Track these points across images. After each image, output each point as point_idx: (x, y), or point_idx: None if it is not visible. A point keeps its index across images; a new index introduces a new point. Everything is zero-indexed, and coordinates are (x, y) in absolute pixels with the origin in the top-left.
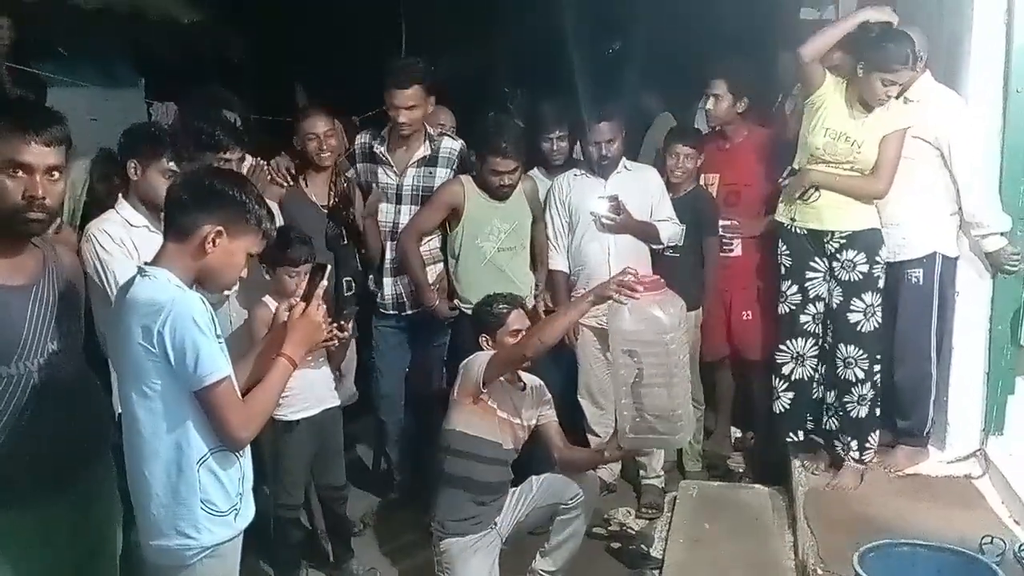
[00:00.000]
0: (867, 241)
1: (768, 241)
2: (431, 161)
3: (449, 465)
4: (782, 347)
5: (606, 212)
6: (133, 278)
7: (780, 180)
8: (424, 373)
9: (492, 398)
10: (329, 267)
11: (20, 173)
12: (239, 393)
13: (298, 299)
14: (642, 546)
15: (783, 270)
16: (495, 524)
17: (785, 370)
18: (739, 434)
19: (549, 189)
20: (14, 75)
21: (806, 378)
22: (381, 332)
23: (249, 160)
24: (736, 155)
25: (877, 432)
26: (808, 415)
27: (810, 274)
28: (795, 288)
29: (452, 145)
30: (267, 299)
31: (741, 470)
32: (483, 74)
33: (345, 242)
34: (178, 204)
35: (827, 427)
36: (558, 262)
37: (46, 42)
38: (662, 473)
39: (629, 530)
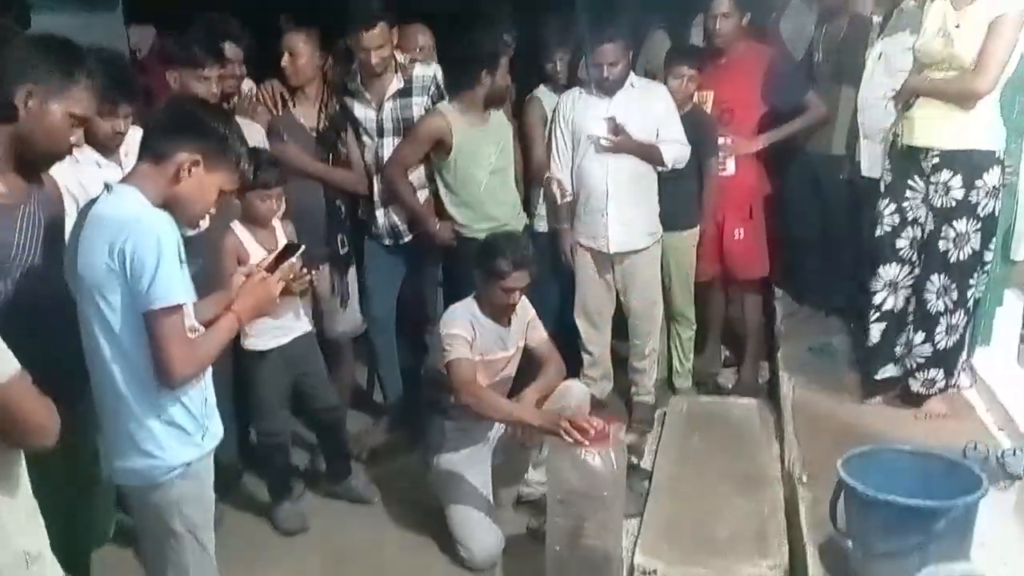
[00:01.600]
0: (964, 163)
1: (762, 159)
2: (406, 92)
3: (436, 395)
4: (876, 273)
5: (604, 133)
6: (99, 195)
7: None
8: (418, 297)
9: (475, 350)
10: (303, 247)
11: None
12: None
13: (260, 266)
14: (632, 458)
15: (883, 187)
16: (487, 439)
17: (877, 299)
18: (725, 352)
19: (555, 107)
20: None
21: (898, 309)
22: (373, 254)
23: (248, 90)
24: (731, 72)
25: (963, 358)
26: (896, 350)
27: (908, 193)
28: (893, 207)
29: (425, 72)
30: (235, 225)
31: (731, 386)
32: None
33: (333, 165)
34: (159, 127)
35: (908, 364)
36: (560, 177)
37: None
38: (653, 390)
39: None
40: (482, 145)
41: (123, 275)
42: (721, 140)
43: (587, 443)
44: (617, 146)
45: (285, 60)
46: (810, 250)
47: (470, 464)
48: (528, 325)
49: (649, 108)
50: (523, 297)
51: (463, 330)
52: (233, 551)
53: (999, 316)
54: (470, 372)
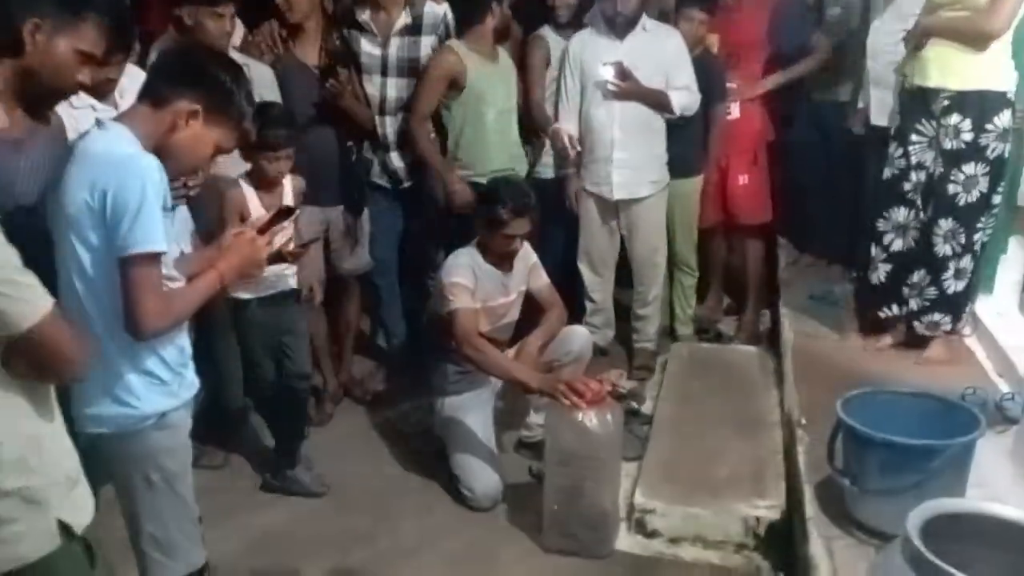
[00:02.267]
0: (975, 104)
1: (767, 103)
2: (414, 29)
3: (438, 340)
4: (883, 215)
5: (610, 78)
6: (89, 130)
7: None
8: (419, 241)
9: (477, 297)
10: (298, 211)
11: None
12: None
13: (253, 226)
14: (633, 404)
15: (892, 131)
16: (489, 381)
17: (885, 240)
18: (726, 300)
19: (565, 47)
20: None
21: (906, 249)
22: (374, 197)
23: (240, 31)
24: (738, 14)
25: (970, 303)
26: (904, 288)
27: (915, 137)
28: (900, 151)
29: (435, 10)
30: (242, 182)
31: (732, 333)
32: None
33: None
34: (164, 70)
35: (912, 307)
36: (568, 125)
37: None
38: (654, 337)
39: (620, 389)
40: (493, 83)
41: (102, 216)
42: (727, 85)
43: (583, 406)
44: (624, 92)
45: None
46: (813, 198)
47: (472, 407)
48: (530, 270)
49: (661, 53)
50: (525, 243)
51: (464, 278)
52: (238, 494)
53: (1002, 263)
54: (472, 323)
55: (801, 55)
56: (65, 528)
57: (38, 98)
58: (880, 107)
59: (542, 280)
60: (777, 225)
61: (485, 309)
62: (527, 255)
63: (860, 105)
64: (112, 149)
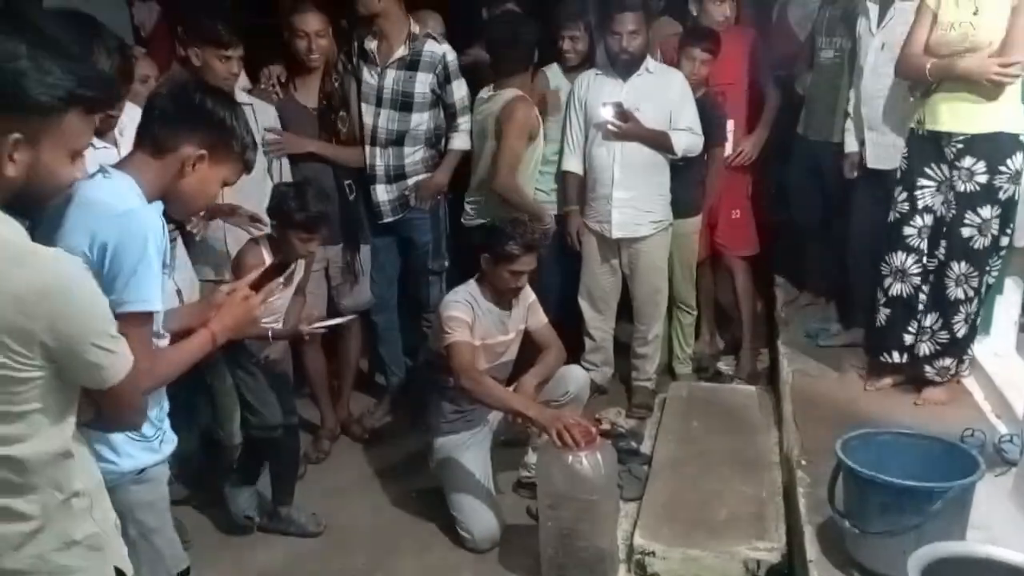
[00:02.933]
0: (990, 147)
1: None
2: (412, 65)
3: (436, 378)
4: (885, 259)
5: (610, 118)
6: (94, 175)
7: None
8: (411, 279)
9: (475, 334)
10: (293, 267)
11: None
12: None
13: (246, 285)
14: (632, 443)
15: (898, 175)
16: (487, 421)
17: (885, 284)
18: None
19: (572, 86)
20: None
21: (905, 295)
22: (371, 232)
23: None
24: (723, 54)
25: (973, 347)
26: (905, 335)
27: (923, 181)
28: (904, 195)
29: (435, 49)
30: (262, 246)
31: (731, 372)
32: None
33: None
34: (161, 115)
35: (921, 352)
36: (572, 163)
37: None
38: (654, 376)
39: (619, 428)
40: (541, 124)
41: (99, 269)
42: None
43: (578, 448)
44: (624, 132)
45: (303, 42)
46: (810, 237)
47: (469, 447)
48: (528, 309)
49: (664, 94)
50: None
51: (463, 313)
52: (235, 531)
53: (998, 303)
54: (470, 356)
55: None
56: (120, 574)
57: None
58: (877, 150)
59: (540, 319)
60: (775, 263)
61: (483, 347)
62: (526, 294)
63: (849, 150)
64: (116, 201)
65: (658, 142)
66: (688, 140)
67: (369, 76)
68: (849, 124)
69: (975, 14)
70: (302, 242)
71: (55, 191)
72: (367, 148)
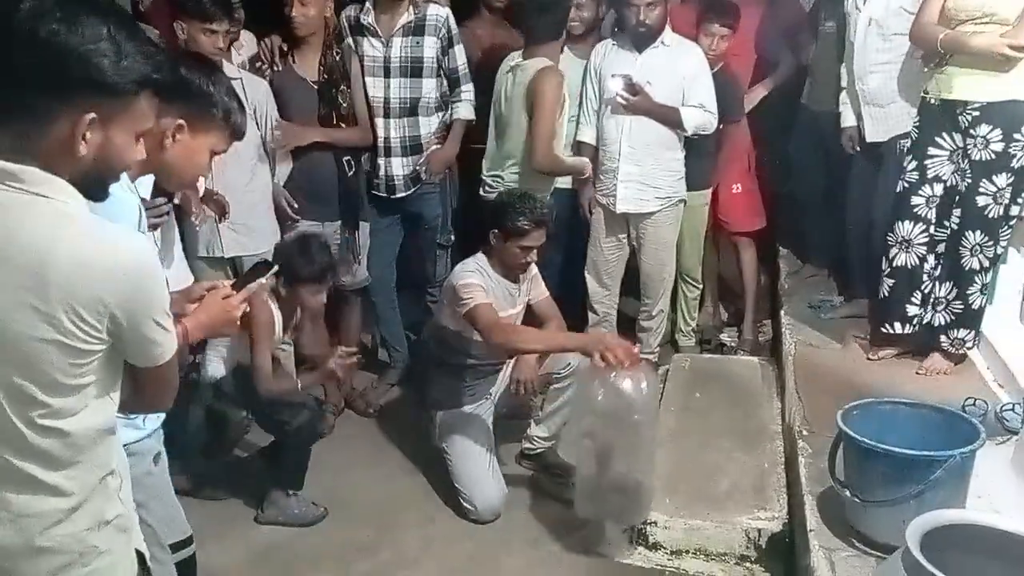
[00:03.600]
0: (1005, 114)
1: (756, 112)
2: (417, 30)
3: (440, 353)
4: (891, 229)
5: (619, 91)
6: None
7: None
8: (418, 254)
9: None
10: (275, 267)
11: None
12: None
13: (227, 284)
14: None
15: (908, 144)
16: (490, 395)
17: (890, 254)
18: (725, 312)
19: (590, 56)
20: None
21: (910, 266)
22: (373, 211)
23: (248, 39)
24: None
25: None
26: (908, 309)
27: (933, 151)
28: (913, 164)
29: (439, 12)
30: (272, 303)
31: (734, 344)
32: None
33: (335, 121)
34: None
35: (936, 322)
36: (586, 134)
37: None
38: (657, 349)
39: None
40: (566, 94)
41: None
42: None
43: (623, 365)
44: (633, 106)
45: (295, 10)
46: (814, 209)
47: (472, 420)
48: (531, 281)
49: (678, 69)
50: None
51: (478, 279)
52: (239, 506)
53: (1002, 273)
54: (493, 314)
55: (787, 65)
56: (140, 557)
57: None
58: (875, 124)
59: (542, 291)
60: (778, 234)
61: None
62: (530, 266)
63: (846, 124)
64: None
65: (668, 118)
66: (700, 117)
67: (372, 48)
68: (845, 98)
69: None
70: (312, 295)
71: (120, 171)
72: (379, 121)
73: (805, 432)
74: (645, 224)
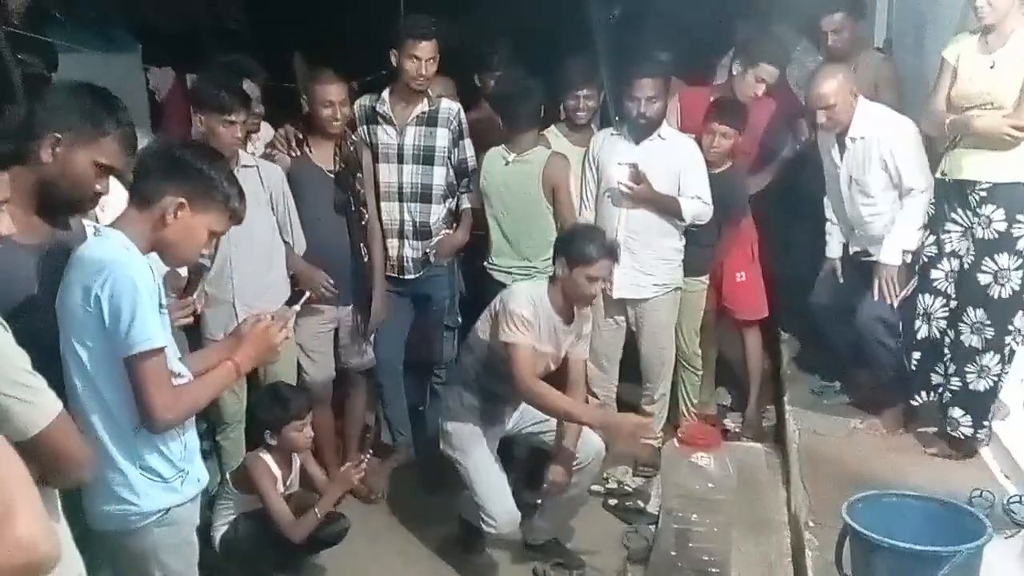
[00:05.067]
0: (1010, 196)
1: (761, 202)
2: (431, 120)
3: (467, 363)
4: (915, 302)
5: (624, 180)
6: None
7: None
8: (425, 335)
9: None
10: (308, 293)
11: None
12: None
13: (265, 317)
14: (638, 502)
15: (926, 219)
16: (503, 422)
17: (914, 326)
18: (728, 396)
19: (589, 144)
20: (22, 42)
21: (932, 338)
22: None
23: (266, 130)
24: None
25: (992, 412)
26: (932, 378)
27: (949, 226)
28: (931, 239)
29: (451, 106)
30: (265, 455)
31: (737, 430)
32: (484, 40)
33: (353, 208)
34: (144, 171)
35: (941, 399)
36: (586, 218)
37: (42, 7)
38: (660, 434)
39: (626, 487)
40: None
41: (100, 319)
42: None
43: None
44: (635, 195)
45: (328, 111)
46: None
47: (484, 438)
48: (581, 336)
49: (675, 161)
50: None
51: (530, 313)
52: None
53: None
54: (531, 360)
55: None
56: None
57: (56, 207)
58: (862, 241)
59: (583, 354)
60: (780, 319)
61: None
62: (588, 321)
63: (831, 255)
64: (103, 254)
65: (667, 207)
66: (697, 208)
67: (387, 136)
68: (831, 228)
69: (992, 68)
70: (298, 432)
71: (76, 199)
72: (393, 205)
73: (811, 523)
74: (643, 308)
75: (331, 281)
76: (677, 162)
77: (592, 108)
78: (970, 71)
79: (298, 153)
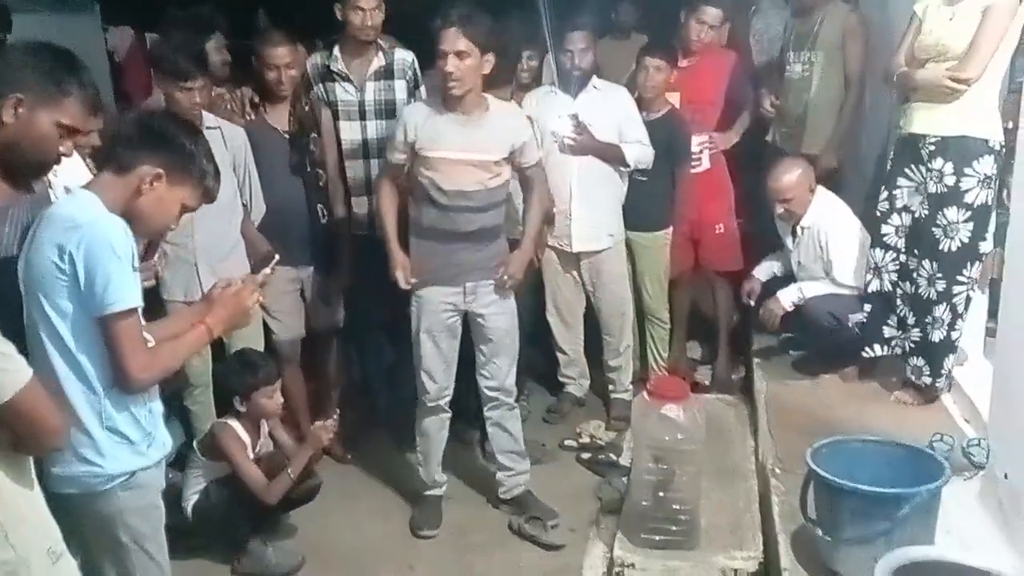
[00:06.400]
0: (956, 149)
1: (736, 152)
2: (388, 74)
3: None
4: (867, 256)
5: (568, 131)
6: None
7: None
8: (399, 293)
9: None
10: (277, 256)
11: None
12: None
13: (237, 280)
14: (611, 455)
15: (885, 175)
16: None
17: (865, 279)
18: (699, 350)
19: (522, 104)
20: None
21: (884, 291)
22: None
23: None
24: (699, 73)
25: (951, 360)
26: (884, 331)
27: (901, 180)
28: (884, 194)
29: (405, 56)
30: (233, 423)
31: (707, 383)
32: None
33: (309, 168)
34: (124, 138)
35: (902, 347)
36: None
37: None
38: (631, 387)
39: (599, 441)
40: None
41: (73, 278)
42: (702, 138)
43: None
44: (580, 145)
45: (273, 74)
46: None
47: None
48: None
49: (611, 109)
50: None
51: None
52: (212, 556)
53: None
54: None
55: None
56: None
57: (19, 168)
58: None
59: (530, 159)
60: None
61: (434, 159)
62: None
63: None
64: (78, 213)
65: (611, 154)
66: (639, 151)
67: (346, 93)
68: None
69: (951, 20)
70: (267, 398)
71: (40, 160)
72: (358, 163)
73: (778, 470)
74: (598, 261)
75: (276, 256)
76: (614, 111)
77: (535, 68)
78: (931, 23)
79: (253, 116)
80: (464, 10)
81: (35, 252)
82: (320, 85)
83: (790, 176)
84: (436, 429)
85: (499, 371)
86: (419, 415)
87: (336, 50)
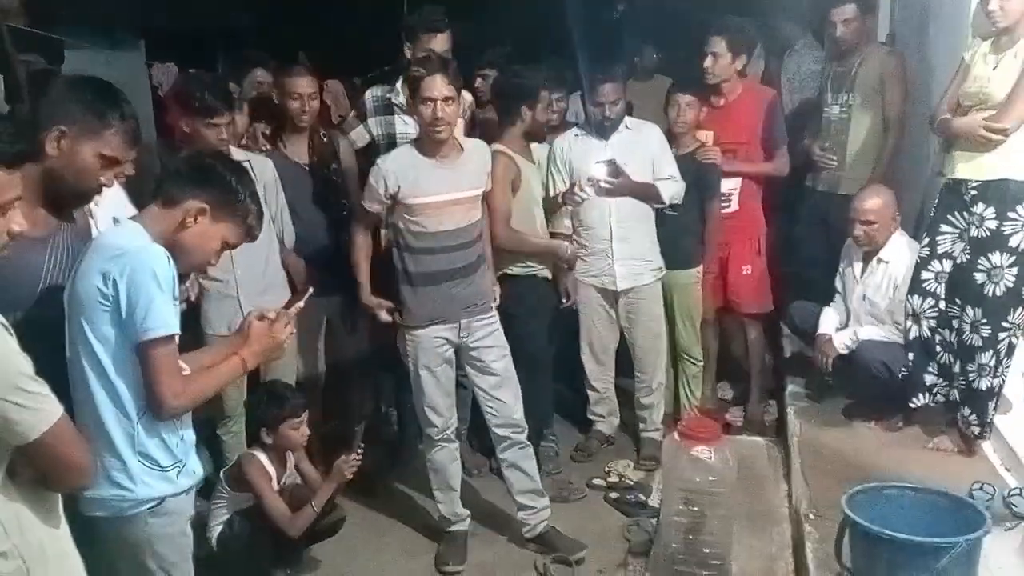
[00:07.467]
0: (997, 193)
1: (766, 194)
2: None
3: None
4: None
5: (604, 176)
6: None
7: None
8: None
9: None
10: (311, 289)
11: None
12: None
13: (270, 313)
14: (640, 495)
15: (927, 221)
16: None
17: (906, 326)
18: (731, 391)
19: (550, 150)
20: (26, 39)
21: (923, 338)
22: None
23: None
24: (731, 113)
25: (994, 407)
26: (926, 379)
27: (943, 227)
28: (926, 240)
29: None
30: (259, 454)
31: (740, 424)
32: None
33: (333, 200)
34: (173, 172)
35: (949, 397)
36: (558, 223)
37: (47, 4)
38: (661, 426)
39: (628, 480)
40: (533, 180)
41: (115, 303)
42: (732, 183)
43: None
44: (617, 188)
45: (297, 103)
46: (817, 288)
47: (440, 369)
48: (479, 172)
49: (644, 148)
50: (483, 146)
51: (374, 177)
52: None
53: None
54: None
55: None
56: None
57: (62, 199)
58: None
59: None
60: (782, 313)
61: (423, 206)
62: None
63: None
64: (123, 242)
65: (647, 193)
66: (673, 188)
67: (405, 125)
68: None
69: (995, 69)
70: (294, 430)
71: (81, 191)
72: None
73: (812, 516)
74: (636, 297)
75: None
76: (647, 148)
77: (563, 110)
78: (978, 70)
79: (269, 147)
80: (444, 57)
81: (81, 279)
82: (377, 118)
83: (876, 199)
84: (448, 461)
85: (504, 406)
86: (428, 450)
87: (399, 84)
